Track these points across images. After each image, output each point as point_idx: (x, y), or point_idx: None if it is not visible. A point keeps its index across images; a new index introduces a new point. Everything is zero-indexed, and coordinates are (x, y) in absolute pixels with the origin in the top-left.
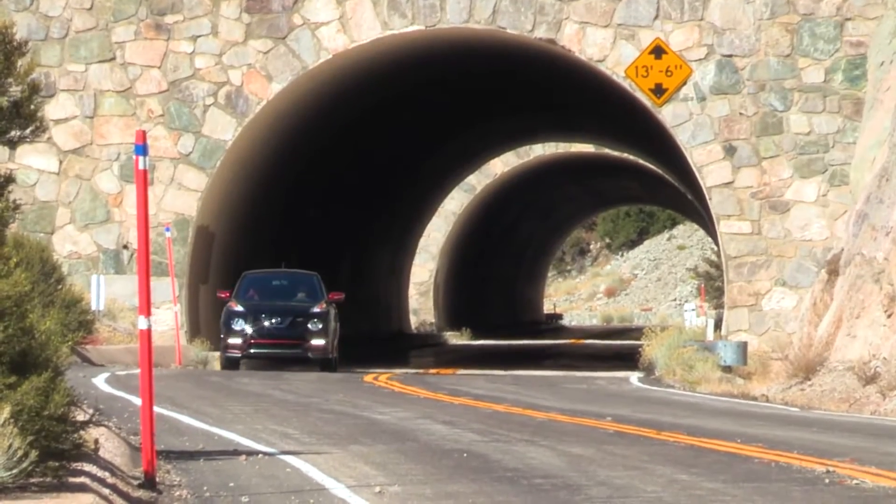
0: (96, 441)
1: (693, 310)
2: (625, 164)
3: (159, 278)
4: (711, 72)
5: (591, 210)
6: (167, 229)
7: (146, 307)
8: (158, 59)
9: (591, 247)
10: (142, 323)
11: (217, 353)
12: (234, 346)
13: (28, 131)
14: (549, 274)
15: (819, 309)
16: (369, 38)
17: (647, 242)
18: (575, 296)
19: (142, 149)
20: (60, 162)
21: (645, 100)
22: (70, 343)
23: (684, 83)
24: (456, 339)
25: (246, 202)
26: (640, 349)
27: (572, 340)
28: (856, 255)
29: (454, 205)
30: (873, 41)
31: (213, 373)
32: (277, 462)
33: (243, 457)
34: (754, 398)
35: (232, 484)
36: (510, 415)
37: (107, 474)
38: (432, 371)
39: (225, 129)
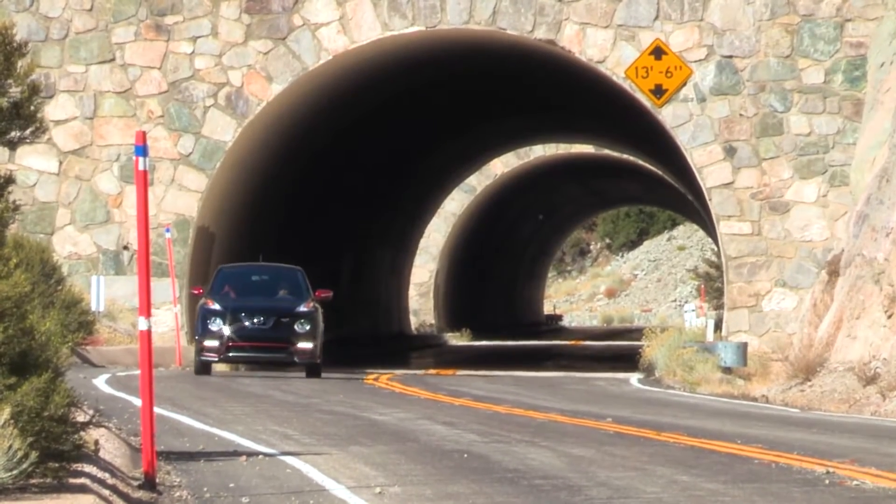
0: (96, 442)
1: (693, 310)
2: (625, 165)
3: (159, 279)
4: (711, 73)
5: (592, 211)
6: (167, 230)
7: (146, 308)
8: (158, 59)
9: (592, 247)
10: (142, 324)
11: None
12: (210, 349)
13: (28, 132)
14: (550, 275)
15: (819, 310)
16: (369, 39)
17: (647, 243)
18: (575, 297)
19: (142, 150)
20: (60, 163)
21: (645, 101)
22: (70, 344)
23: (684, 84)
24: (456, 339)
25: (246, 203)
26: (640, 350)
27: (572, 341)
28: (856, 255)
29: (454, 205)
30: (873, 42)
31: (213, 373)
32: (278, 463)
33: (243, 458)
34: (754, 399)
35: (232, 485)
36: (510, 416)
37: (107, 475)
38: (432, 372)
39: (225, 130)
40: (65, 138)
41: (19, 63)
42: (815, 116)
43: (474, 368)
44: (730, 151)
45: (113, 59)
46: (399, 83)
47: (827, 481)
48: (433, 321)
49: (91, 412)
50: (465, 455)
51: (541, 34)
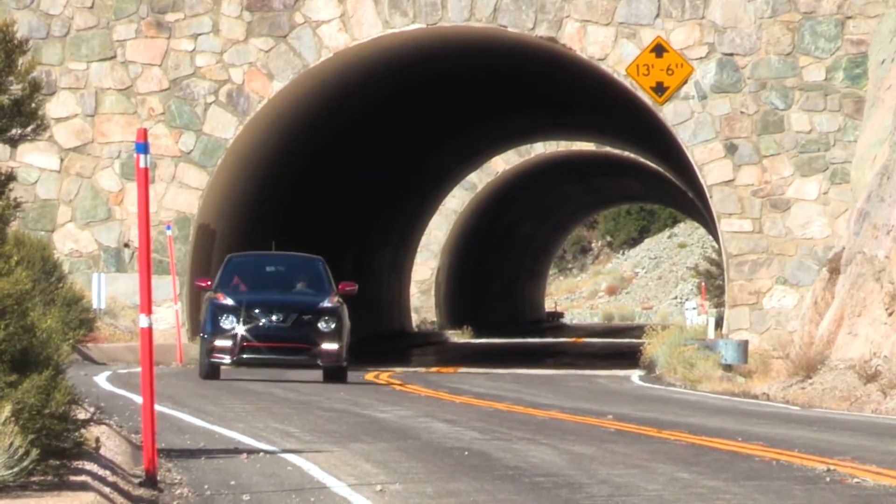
0: (97, 439)
1: (694, 308)
2: (626, 163)
3: (160, 276)
4: (712, 70)
5: (593, 208)
6: (168, 227)
7: (147, 305)
8: (159, 57)
9: (593, 245)
10: (143, 321)
11: None
12: (222, 350)
13: (29, 129)
14: (551, 272)
15: (820, 307)
16: (370, 37)
17: (647, 241)
18: (576, 294)
19: (143, 147)
20: (61, 160)
21: (646, 98)
22: (71, 341)
23: (685, 81)
24: (457, 337)
25: (247, 200)
26: (640, 347)
27: (573, 339)
28: (857, 253)
29: (455, 203)
30: (874, 39)
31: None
32: (279, 460)
33: (244, 455)
34: (755, 396)
35: (233, 482)
36: (511, 413)
37: (108, 473)
38: (433, 369)
39: (226, 128)
40: (66, 135)
41: (20, 60)
42: (815, 114)
43: (475, 366)
44: (731, 149)
45: (114, 57)
46: (400, 81)
47: (828, 479)
48: (434, 318)
49: (92, 410)
50: (466, 452)
51: (542, 31)
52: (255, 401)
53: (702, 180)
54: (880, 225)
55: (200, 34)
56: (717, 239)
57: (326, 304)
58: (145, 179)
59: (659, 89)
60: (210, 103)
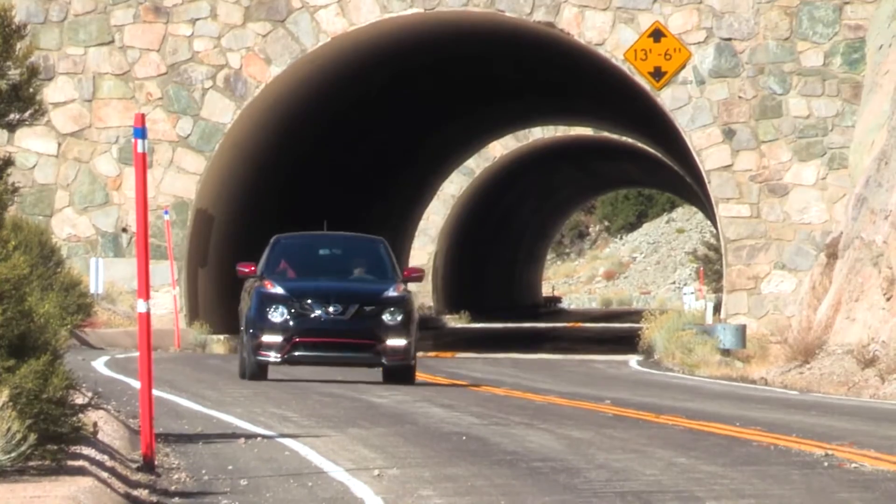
0: (95, 424)
1: (692, 293)
2: (624, 148)
3: (158, 262)
4: (710, 55)
5: (590, 193)
6: (166, 212)
7: (145, 290)
8: (157, 42)
9: (590, 230)
10: (141, 306)
11: (218, 337)
12: (271, 346)
13: (27, 114)
14: (548, 257)
15: (818, 292)
16: (368, 21)
17: (646, 225)
18: (574, 279)
19: (140, 132)
20: (59, 145)
21: (644, 83)
22: (69, 326)
23: (683, 66)
24: (455, 322)
25: (245, 185)
26: (638, 332)
27: (571, 323)
28: (855, 238)
29: (453, 188)
30: (872, 24)
31: (211, 356)
32: (276, 445)
33: (242, 440)
34: (753, 381)
35: (231, 467)
36: (509, 398)
37: (106, 457)
38: (431, 354)
39: (224, 113)
40: (64, 120)
41: (18, 45)
42: (813, 99)
43: (473, 350)
44: (729, 134)
45: (112, 42)
46: (398, 66)
47: (826, 464)
48: (432, 304)
49: (90, 394)
50: (464, 437)
51: (540, 16)
52: (253, 386)
53: (700, 165)
54: (878, 210)
55: (198, 19)
56: (715, 224)
57: (392, 292)
58: (143, 164)
59: (657, 74)
60: (208, 88)
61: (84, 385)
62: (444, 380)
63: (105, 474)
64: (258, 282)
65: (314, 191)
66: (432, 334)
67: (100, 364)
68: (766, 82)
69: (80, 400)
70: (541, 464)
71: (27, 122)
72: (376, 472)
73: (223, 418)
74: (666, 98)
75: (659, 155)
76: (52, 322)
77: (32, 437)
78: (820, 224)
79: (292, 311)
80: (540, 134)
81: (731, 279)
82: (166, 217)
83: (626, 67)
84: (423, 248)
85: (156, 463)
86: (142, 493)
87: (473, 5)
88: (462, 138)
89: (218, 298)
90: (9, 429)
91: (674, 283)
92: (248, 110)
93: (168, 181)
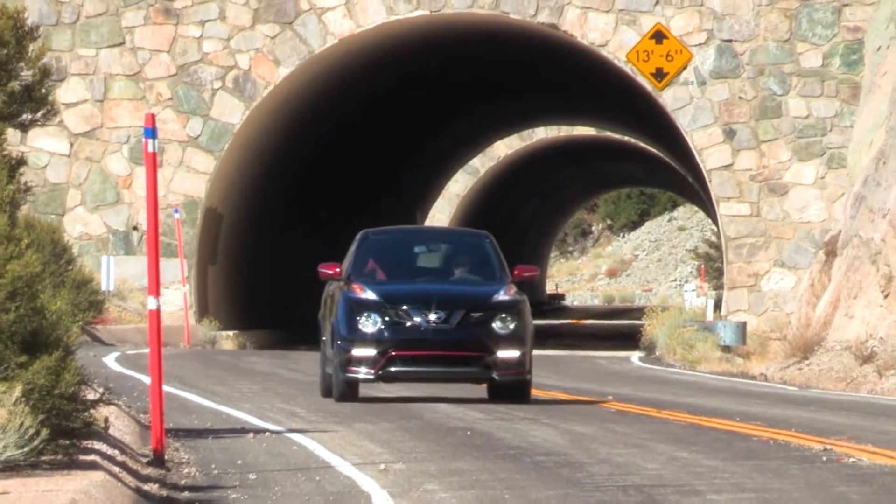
0: (106, 419)
1: (693, 290)
2: (626, 147)
3: (168, 259)
4: (711, 56)
5: (593, 192)
6: (176, 211)
7: (155, 288)
8: (167, 43)
9: (593, 228)
10: (151, 303)
11: (227, 334)
12: (362, 361)
13: (39, 115)
14: (552, 255)
15: (817, 289)
16: (374, 23)
17: (647, 224)
18: (577, 276)
19: (151, 132)
20: (71, 145)
21: (646, 84)
22: (80, 323)
23: (684, 67)
24: None
25: (254, 184)
26: (641, 329)
27: (574, 320)
28: (853, 236)
29: (458, 187)
30: (870, 26)
31: (221, 352)
32: (284, 440)
33: (251, 435)
34: (753, 377)
35: (240, 461)
36: None
37: (116, 452)
38: None
39: (233, 113)
40: (75, 121)
41: (31, 47)
42: (813, 99)
43: None
44: (729, 134)
45: (123, 43)
46: (403, 67)
47: (824, 458)
48: None
49: (101, 390)
50: (469, 432)
51: (543, 18)
52: (262, 381)
53: (701, 165)
54: (876, 209)
55: (208, 21)
56: (716, 222)
57: (502, 296)
58: (153, 164)
59: (658, 75)
60: (217, 89)
61: (95, 381)
62: None
63: (116, 469)
64: (345, 285)
65: (321, 189)
66: None
67: (111, 360)
68: (766, 83)
69: (91, 395)
70: (544, 458)
71: (39, 123)
72: (382, 466)
73: (232, 413)
74: (667, 98)
75: (661, 154)
76: (64, 319)
77: (45, 432)
78: (819, 222)
79: (387, 319)
80: (543, 134)
81: (732, 276)
82: (176, 215)
83: (628, 68)
84: None
85: (166, 457)
86: (152, 488)
87: (478, 7)
88: (467, 138)
89: (227, 295)
90: (21, 424)
91: (675, 280)
92: (257, 111)
93: (178, 180)
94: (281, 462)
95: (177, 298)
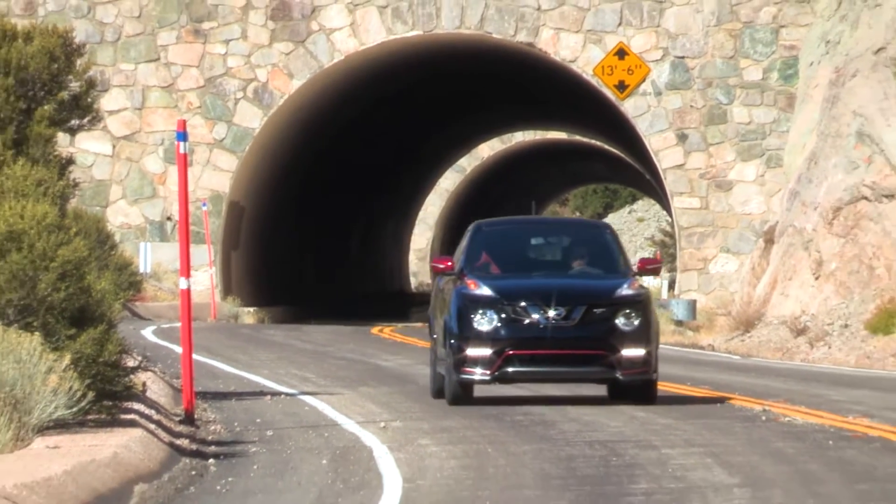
0: (144, 384)
1: None
2: (593, 149)
3: (197, 245)
4: (666, 71)
5: (565, 188)
6: (204, 204)
7: (186, 270)
8: (197, 59)
9: None
10: (182, 283)
11: (248, 310)
12: (477, 361)
13: (86, 120)
14: None
15: (757, 272)
16: (376, 42)
17: (611, 215)
18: None
19: (182, 135)
20: (113, 146)
21: (610, 94)
22: (121, 301)
23: (643, 80)
24: None
25: (270, 181)
26: None
27: None
28: (788, 226)
29: (448, 183)
30: (804, 45)
31: (242, 326)
32: (297, 402)
33: (268, 397)
34: (702, 348)
35: (259, 420)
36: None
37: (153, 412)
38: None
39: (253, 119)
40: (117, 126)
41: (78, 62)
42: (754, 108)
43: None
44: (682, 138)
45: (158, 59)
46: (401, 79)
47: (763, 418)
48: (430, 281)
49: (139, 358)
50: None
51: (522, 38)
52: (278, 351)
53: (657, 164)
54: (808, 202)
55: (231, 39)
56: (670, 214)
57: (626, 290)
58: (184, 163)
59: (621, 87)
60: (239, 98)
61: (134, 350)
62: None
63: (152, 426)
64: (458, 280)
65: (328, 185)
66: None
67: (148, 332)
68: (713, 94)
69: (131, 363)
70: (522, 417)
71: (86, 128)
72: (382, 424)
73: (252, 378)
74: (629, 107)
75: (622, 155)
76: (108, 297)
77: (91, 395)
78: (759, 214)
79: (503, 316)
80: (521, 137)
81: (684, 261)
82: (204, 208)
83: (595, 81)
84: (423, 234)
85: (195, 416)
86: (183, 443)
87: (465, 28)
88: (455, 141)
89: (248, 276)
90: (70, 388)
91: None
92: (274, 117)
93: (206, 177)
94: (294, 420)
95: (204, 279)
